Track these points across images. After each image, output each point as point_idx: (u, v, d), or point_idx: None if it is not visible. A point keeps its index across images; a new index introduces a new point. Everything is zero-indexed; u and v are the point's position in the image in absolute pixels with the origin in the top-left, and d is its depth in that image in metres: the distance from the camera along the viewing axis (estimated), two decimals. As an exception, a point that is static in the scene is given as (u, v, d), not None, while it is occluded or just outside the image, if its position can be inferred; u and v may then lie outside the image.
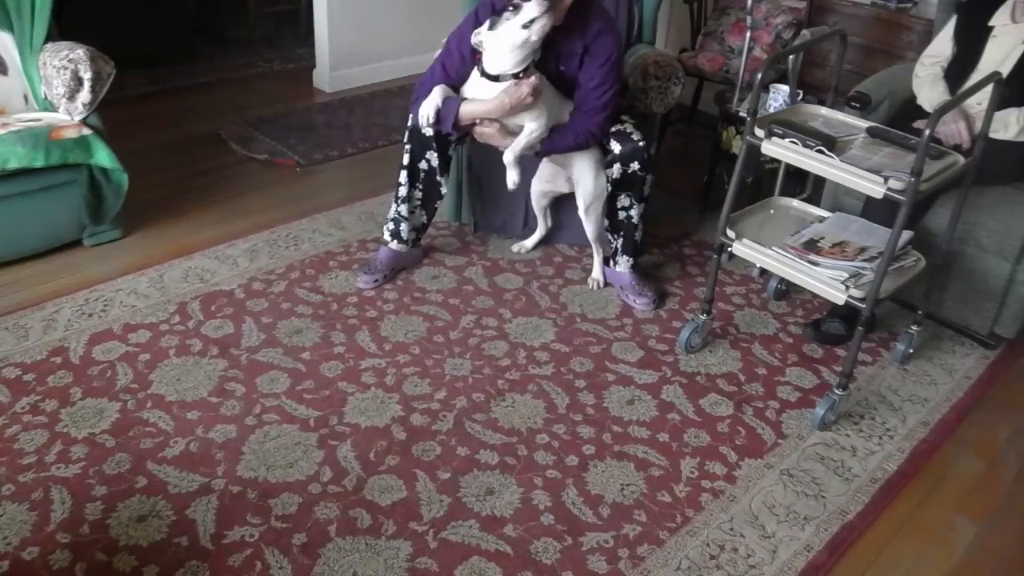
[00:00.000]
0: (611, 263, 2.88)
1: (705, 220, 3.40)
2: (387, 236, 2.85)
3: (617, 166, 2.64)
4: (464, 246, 3.09)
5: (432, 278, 2.89)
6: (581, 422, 2.30)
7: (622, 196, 2.70)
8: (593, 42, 2.51)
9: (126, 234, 3.01)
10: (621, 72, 2.60)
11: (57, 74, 2.71)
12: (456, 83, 2.60)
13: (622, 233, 2.77)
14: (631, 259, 2.81)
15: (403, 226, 2.80)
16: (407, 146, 2.69)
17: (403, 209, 2.77)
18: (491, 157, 2.78)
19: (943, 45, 2.76)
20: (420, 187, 2.75)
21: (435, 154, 2.67)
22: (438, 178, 2.73)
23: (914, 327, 2.63)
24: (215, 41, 5.20)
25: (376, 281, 2.80)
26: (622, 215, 2.73)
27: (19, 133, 2.61)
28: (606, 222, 2.79)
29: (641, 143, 2.64)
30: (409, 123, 2.67)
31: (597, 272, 2.91)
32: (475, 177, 3.03)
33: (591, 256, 2.99)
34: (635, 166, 2.63)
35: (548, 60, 2.58)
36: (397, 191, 2.76)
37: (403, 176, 2.73)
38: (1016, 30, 2.57)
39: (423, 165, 2.70)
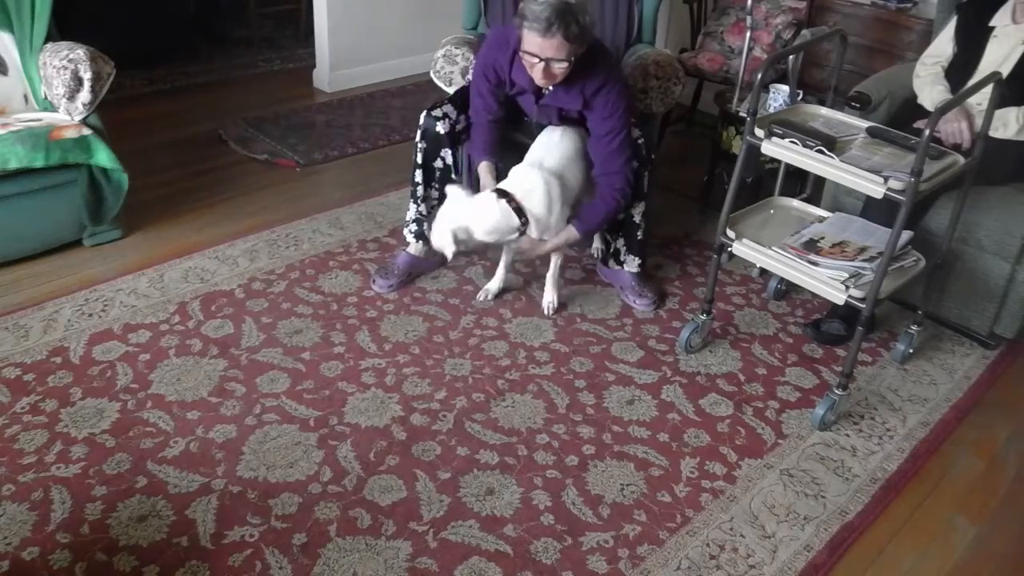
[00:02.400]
0: (609, 263, 2.88)
1: (705, 220, 3.40)
2: (410, 238, 2.83)
3: None
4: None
5: (432, 278, 2.88)
6: (581, 422, 2.30)
7: None
8: (592, 97, 2.44)
9: (126, 234, 3.01)
10: (630, 116, 2.54)
11: (57, 74, 2.71)
12: (499, 113, 2.60)
13: (623, 233, 2.77)
14: (638, 259, 2.80)
15: (426, 225, 2.78)
16: (420, 145, 2.69)
17: (423, 208, 2.77)
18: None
19: (943, 45, 2.76)
20: (436, 186, 2.74)
21: (450, 152, 2.68)
22: (454, 176, 2.73)
23: (914, 327, 2.63)
24: (215, 41, 5.20)
25: (391, 286, 2.79)
26: (622, 215, 2.73)
27: (19, 133, 2.61)
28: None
29: (640, 140, 2.64)
30: (421, 122, 2.68)
31: (598, 242, 2.94)
32: (476, 177, 3.03)
33: (591, 256, 3.00)
34: (633, 164, 2.62)
35: (551, 115, 2.56)
36: (414, 191, 2.75)
37: (418, 175, 2.73)
38: (1016, 31, 2.57)
39: (438, 164, 2.70)
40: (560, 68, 2.32)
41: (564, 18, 2.21)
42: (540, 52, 2.28)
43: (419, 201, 2.76)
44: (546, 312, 2.72)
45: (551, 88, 2.46)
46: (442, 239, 2.42)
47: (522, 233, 2.48)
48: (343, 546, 1.87)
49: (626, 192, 2.54)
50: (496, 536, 1.93)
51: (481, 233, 2.42)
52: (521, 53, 2.34)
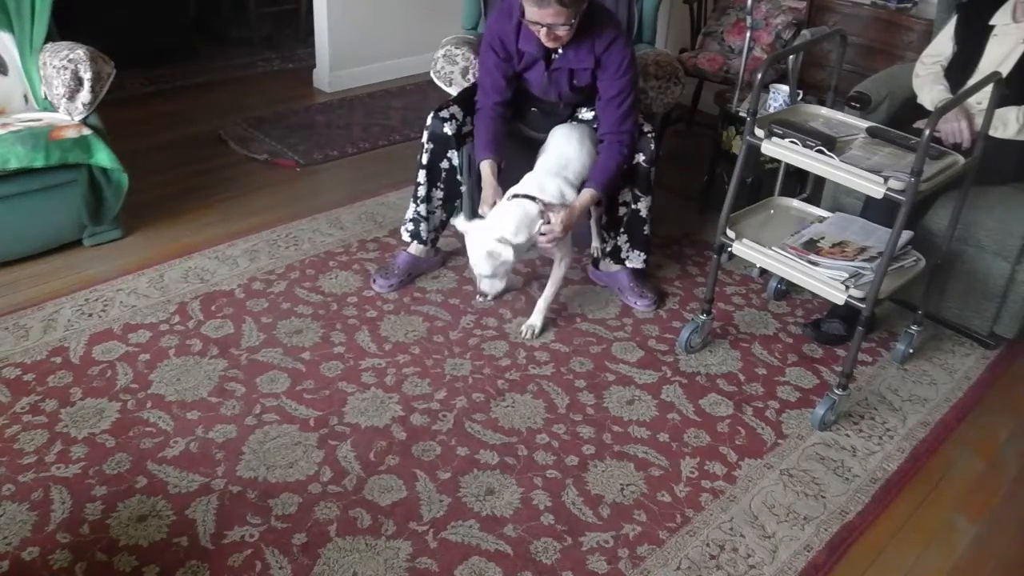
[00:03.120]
0: (600, 265, 2.87)
1: (705, 220, 3.40)
2: (406, 237, 2.82)
3: None
4: (463, 247, 3.08)
5: (432, 278, 2.89)
6: (581, 422, 2.30)
7: (624, 191, 2.69)
8: (604, 53, 2.47)
9: (126, 234, 3.01)
10: (637, 77, 2.57)
11: (57, 74, 2.71)
12: (507, 94, 2.58)
13: (625, 229, 2.75)
14: (643, 254, 2.79)
15: (423, 226, 2.78)
16: (427, 146, 2.68)
17: (422, 209, 2.75)
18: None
19: (943, 45, 2.76)
20: (441, 186, 2.73)
21: (456, 153, 2.68)
22: (458, 176, 2.73)
23: (914, 327, 2.63)
24: (215, 41, 5.20)
25: (392, 286, 2.79)
26: (623, 211, 2.73)
27: (19, 133, 2.61)
28: (604, 218, 2.79)
29: (650, 135, 2.64)
30: (428, 123, 2.67)
31: (596, 241, 2.92)
32: (476, 177, 3.03)
33: (590, 256, 2.99)
34: (640, 158, 2.62)
35: (562, 80, 2.57)
36: (416, 191, 2.74)
37: (422, 176, 2.71)
38: (1017, 30, 2.57)
39: (444, 164, 2.70)
40: (564, 31, 2.38)
41: None
42: (540, 20, 2.35)
43: (419, 202, 2.75)
44: (524, 335, 2.62)
45: (560, 51, 2.49)
46: (493, 259, 2.37)
47: (546, 222, 2.42)
48: (343, 546, 1.87)
49: (631, 148, 2.57)
50: (496, 536, 1.93)
51: (512, 233, 2.37)
52: (525, 23, 2.40)
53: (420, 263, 2.86)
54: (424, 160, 2.70)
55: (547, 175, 2.50)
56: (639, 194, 2.69)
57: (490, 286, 2.49)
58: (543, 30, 2.37)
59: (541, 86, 2.61)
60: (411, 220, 2.79)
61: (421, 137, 2.70)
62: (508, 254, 2.37)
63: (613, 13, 2.62)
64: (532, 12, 2.34)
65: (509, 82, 2.59)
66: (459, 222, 2.51)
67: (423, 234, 2.79)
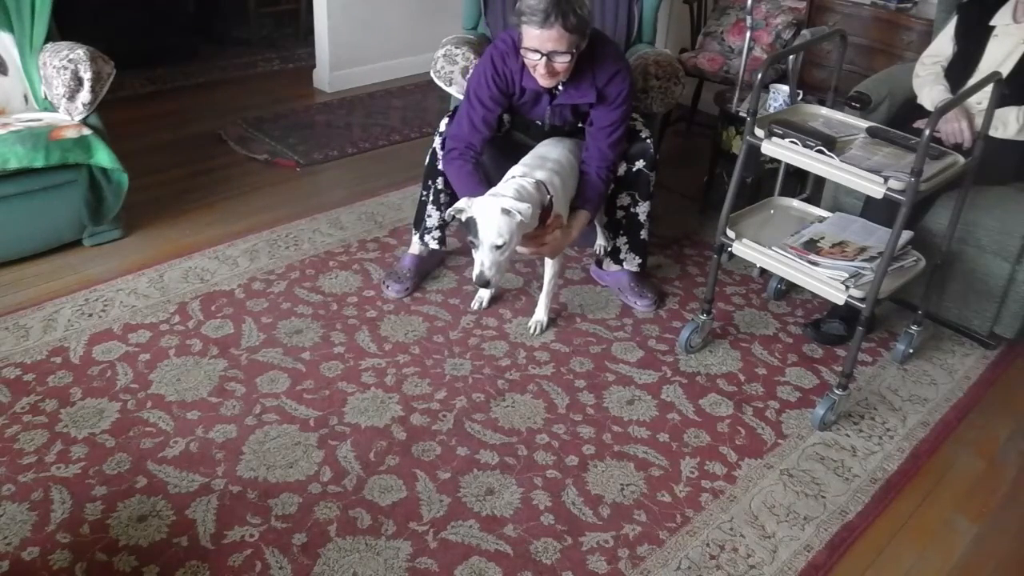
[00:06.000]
0: (604, 264, 2.87)
1: (705, 220, 3.40)
2: (434, 245, 2.75)
3: (623, 164, 2.62)
4: (464, 246, 3.09)
5: (432, 278, 2.89)
6: (581, 422, 2.30)
7: (623, 195, 2.69)
8: (605, 87, 2.42)
9: (126, 234, 3.01)
10: (631, 107, 2.53)
11: (57, 74, 2.71)
12: (489, 135, 2.50)
13: (624, 232, 2.75)
14: (639, 258, 2.78)
15: (436, 231, 2.73)
16: (441, 152, 2.59)
17: (434, 212, 2.70)
18: (491, 159, 2.77)
19: (944, 45, 2.76)
20: (449, 191, 2.65)
21: None
22: None
23: (914, 327, 2.63)
24: (215, 41, 5.21)
25: (407, 289, 2.76)
26: (620, 214, 2.72)
27: (19, 133, 2.61)
28: (605, 219, 2.79)
29: (649, 140, 2.63)
30: (442, 129, 2.60)
31: (601, 239, 2.90)
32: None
33: (591, 256, 2.99)
34: (640, 164, 2.62)
35: (566, 112, 2.54)
36: (438, 197, 2.67)
37: (441, 182, 2.65)
38: (1017, 30, 2.57)
39: None
40: (562, 63, 2.29)
41: (561, 7, 2.19)
42: (540, 46, 2.25)
43: (442, 207, 2.68)
44: (532, 331, 2.63)
45: (562, 87, 2.44)
46: (509, 219, 2.20)
47: (547, 211, 2.33)
48: (343, 546, 1.87)
49: (614, 175, 2.58)
50: (496, 536, 1.93)
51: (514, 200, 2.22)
52: (522, 51, 2.31)
53: (425, 263, 2.85)
54: (439, 166, 2.63)
55: (528, 167, 2.44)
56: (639, 199, 2.68)
57: (495, 269, 2.25)
58: (541, 61, 2.27)
59: (545, 118, 2.58)
60: (437, 228, 2.72)
61: (433, 142, 2.63)
62: (526, 210, 2.19)
63: (612, 41, 2.56)
64: (532, 36, 2.24)
65: (493, 128, 2.50)
66: (458, 205, 2.31)
67: (436, 236, 2.74)
